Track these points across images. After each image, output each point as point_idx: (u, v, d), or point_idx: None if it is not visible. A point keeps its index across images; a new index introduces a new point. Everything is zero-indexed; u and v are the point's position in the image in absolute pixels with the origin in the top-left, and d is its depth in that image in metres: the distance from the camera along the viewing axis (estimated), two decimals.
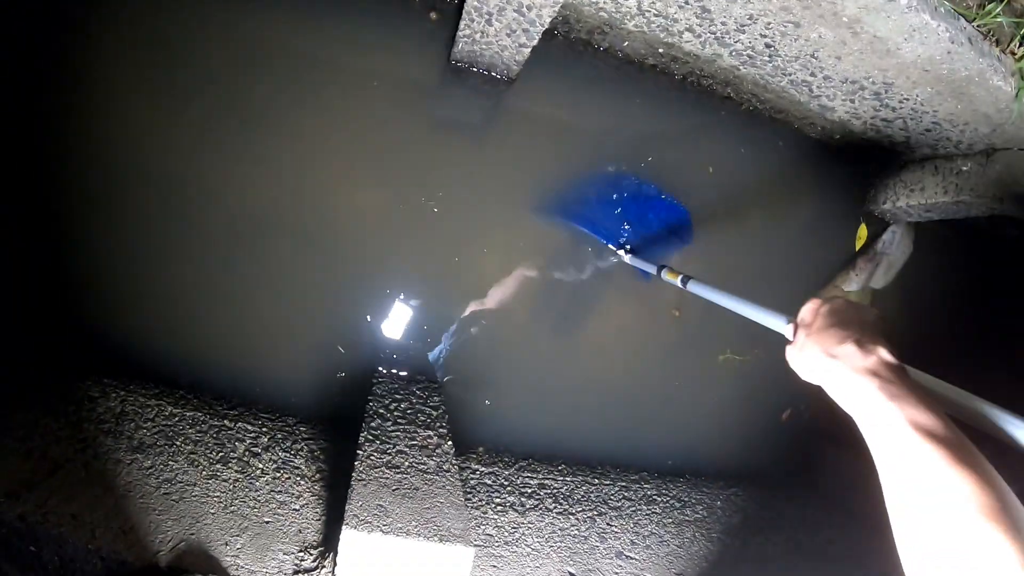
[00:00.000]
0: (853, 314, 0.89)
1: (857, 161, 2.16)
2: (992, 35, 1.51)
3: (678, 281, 1.46)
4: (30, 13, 1.48)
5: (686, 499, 1.84)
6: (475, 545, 1.15)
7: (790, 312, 1.01)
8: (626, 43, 1.79)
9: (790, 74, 1.76)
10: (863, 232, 2.22)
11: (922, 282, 2.30)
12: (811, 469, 1.96)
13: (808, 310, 0.94)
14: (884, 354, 0.81)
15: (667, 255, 1.99)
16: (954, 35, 1.42)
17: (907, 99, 1.73)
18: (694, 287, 1.39)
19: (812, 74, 1.73)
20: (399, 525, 1.15)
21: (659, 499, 1.82)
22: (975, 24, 1.48)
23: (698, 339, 2.04)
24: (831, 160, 2.15)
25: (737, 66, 1.77)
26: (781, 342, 0.93)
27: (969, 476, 0.66)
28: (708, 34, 1.65)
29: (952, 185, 1.96)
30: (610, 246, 1.90)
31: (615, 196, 1.94)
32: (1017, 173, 1.82)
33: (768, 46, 1.64)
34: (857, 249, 2.24)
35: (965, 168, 1.93)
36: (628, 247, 1.89)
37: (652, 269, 1.65)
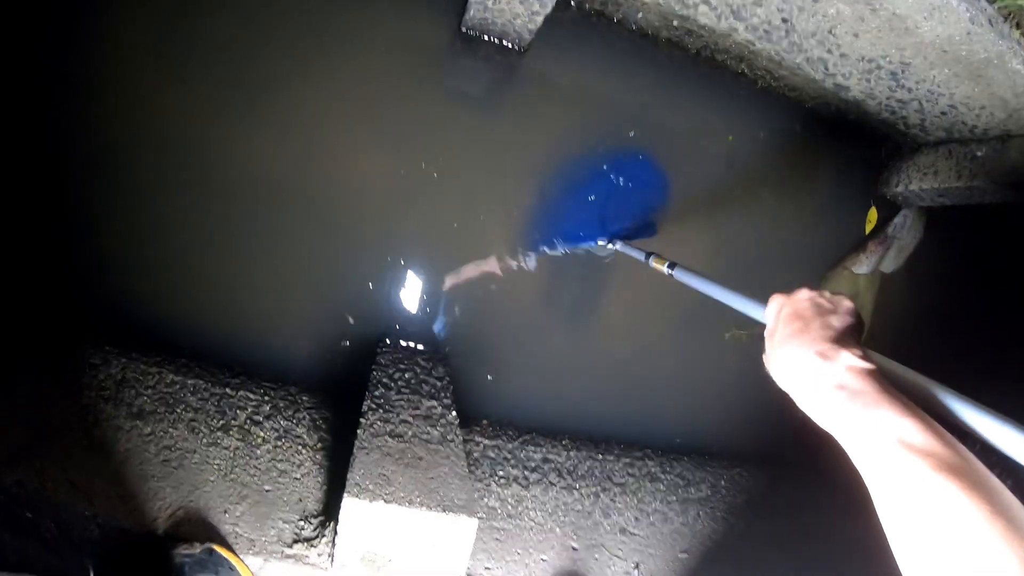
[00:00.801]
0: (815, 315, 0.80)
1: (870, 143, 2.13)
2: (1012, 17, 1.47)
3: (664, 268, 1.43)
4: None
5: (690, 477, 1.83)
6: (478, 517, 1.13)
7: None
8: (640, 15, 1.76)
9: (806, 50, 1.72)
10: (873, 215, 2.20)
11: (931, 267, 2.28)
12: (816, 452, 1.95)
13: (771, 313, 0.86)
14: (850, 359, 0.74)
15: (650, 219, 1.96)
16: (974, 15, 1.39)
17: (923, 80, 1.69)
18: (680, 275, 1.35)
19: (828, 51, 1.69)
20: (402, 494, 1.14)
21: (663, 477, 1.81)
22: (996, 5, 1.44)
23: (704, 315, 2.02)
24: (844, 141, 2.12)
25: (752, 41, 1.73)
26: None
27: (965, 490, 0.59)
28: (724, 6, 1.61)
29: (966, 170, 1.93)
30: (600, 242, 1.86)
31: (593, 183, 1.91)
32: None
33: (785, 20, 1.61)
34: (867, 232, 2.21)
35: (980, 153, 1.90)
36: (617, 235, 1.85)
37: (641, 256, 1.61)
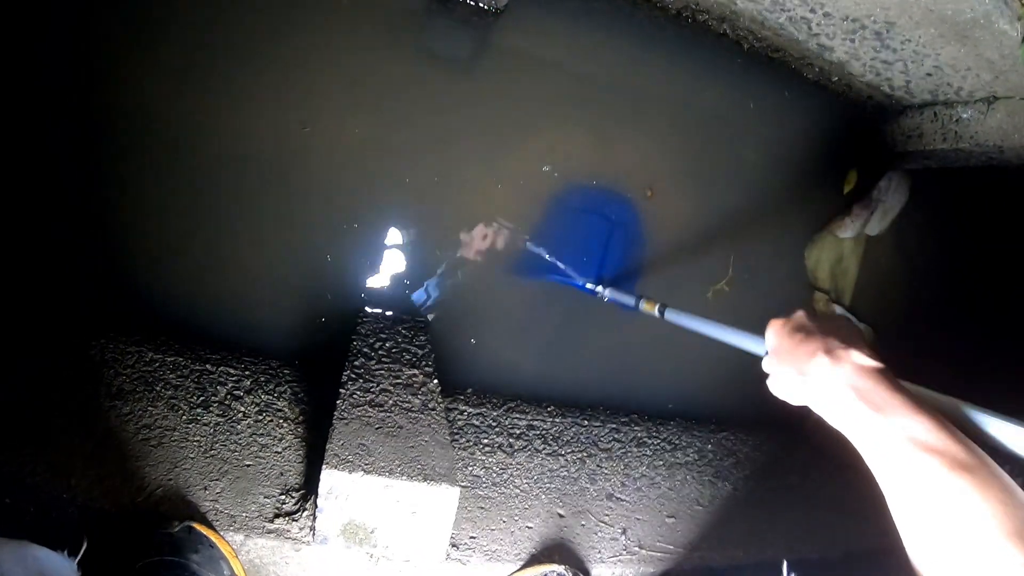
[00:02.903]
0: (817, 324, 0.84)
1: (855, 105, 2.11)
2: None
3: (655, 311, 1.44)
4: None
5: (677, 442, 1.83)
6: (461, 486, 1.12)
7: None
8: None
9: (789, 10, 1.69)
10: (852, 176, 2.19)
11: (917, 230, 2.28)
12: (802, 417, 1.96)
13: (772, 334, 0.89)
14: (858, 358, 0.76)
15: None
16: None
17: (908, 40, 1.67)
18: (671, 316, 1.36)
19: (812, 10, 1.66)
20: (382, 464, 1.12)
21: (650, 441, 1.81)
22: None
23: (687, 275, 2.02)
24: (828, 104, 2.10)
25: (734, 0, 1.70)
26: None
27: (978, 488, 0.59)
28: None
29: (951, 133, 1.91)
30: (588, 286, 1.85)
31: (576, 226, 1.91)
32: (1018, 122, 1.77)
33: None
34: (844, 192, 2.21)
35: (965, 116, 1.88)
36: (604, 282, 1.84)
37: (631, 301, 1.61)
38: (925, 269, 2.33)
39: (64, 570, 0.84)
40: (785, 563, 0.74)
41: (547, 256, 1.87)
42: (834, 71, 1.96)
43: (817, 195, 2.20)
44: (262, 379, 1.55)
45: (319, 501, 1.09)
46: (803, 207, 2.19)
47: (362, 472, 1.09)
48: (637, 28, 1.86)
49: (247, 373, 1.54)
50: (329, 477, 1.07)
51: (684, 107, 1.98)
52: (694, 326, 1.24)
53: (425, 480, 1.11)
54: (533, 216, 1.87)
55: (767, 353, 0.90)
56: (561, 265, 1.88)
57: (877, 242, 2.26)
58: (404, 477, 1.10)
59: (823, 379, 0.77)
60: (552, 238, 1.88)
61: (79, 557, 0.88)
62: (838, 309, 2.15)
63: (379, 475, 1.09)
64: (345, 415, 1.23)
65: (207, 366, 1.52)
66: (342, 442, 1.15)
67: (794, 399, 0.84)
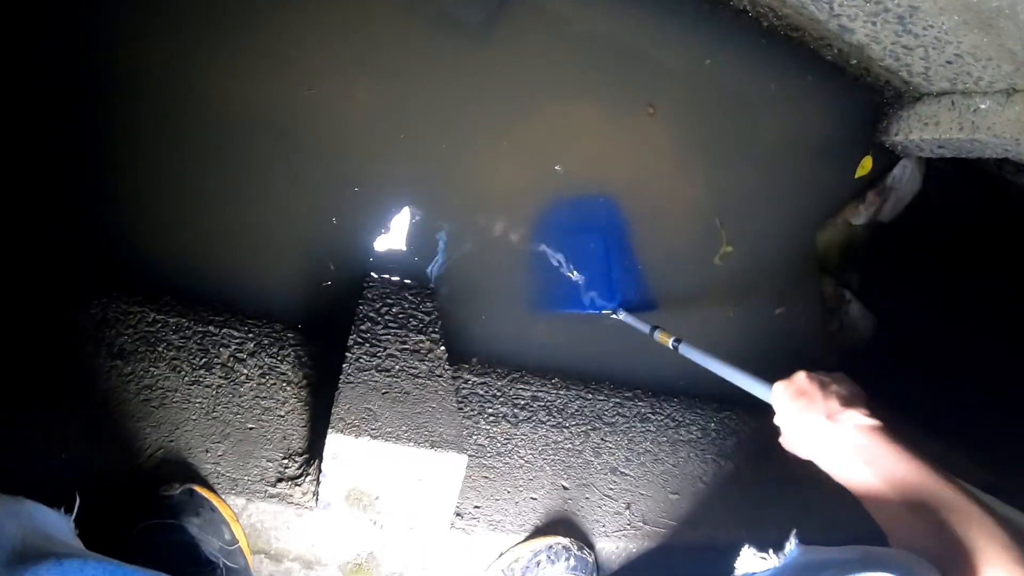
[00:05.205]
0: (817, 387, 0.90)
1: (872, 90, 2.08)
2: None
3: (669, 344, 1.46)
4: None
5: (680, 419, 1.83)
6: (467, 454, 1.11)
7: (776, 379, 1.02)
8: None
9: None
10: (868, 163, 2.17)
11: (928, 217, 2.26)
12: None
13: (777, 399, 0.97)
14: (857, 419, 0.83)
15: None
16: None
17: (931, 26, 1.63)
18: (685, 350, 1.39)
19: None
20: (388, 430, 1.11)
21: (653, 417, 1.80)
22: None
23: (695, 246, 2.03)
24: (845, 86, 2.07)
25: None
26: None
27: (971, 531, 0.65)
28: None
29: (968, 122, 1.89)
30: (605, 311, 1.85)
31: (590, 251, 1.89)
32: None
33: None
34: (856, 177, 2.19)
35: (983, 106, 1.85)
36: (621, 304, 1.84)
37: (646, 328, 1.62)
38: (935, 258, 2.32)
39: (60, 526, 0.82)
40: (794, 531, 0.77)
41: (556, 261, 1.87)
42: (853, 53, 1.93)
43: (828, 178, 2.18)
44: (265, 342, 1.53)
45: (323, 466, 1.08)
46: (814, 189, 2.17)
47: (368, 437, 1.07)
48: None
49: (251, 336, 1.52)
50: (334, 441, 1.06)
51: (699, 83, 1.95)
52: (707, 363, 1.29)
53: (432, 447, 1.10)
54: (541, 200, 1.86)
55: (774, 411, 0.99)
56: (575, 277, 1.87)
57: (889, 228, 2.25)
58: (411, 443, 1.09)
59: (826, 440, 0.85)
60: (560, 246, 1.88)
61: (74, 514, 0.86)
62: (847, 294, 2.15)
63: (385, 440, 1.08)
64: (351, 379, 1.22)
65: (210, 327, 1.50)
66: (348, 406, 1.13)
67: (802, 455, 0.93)
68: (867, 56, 1.92)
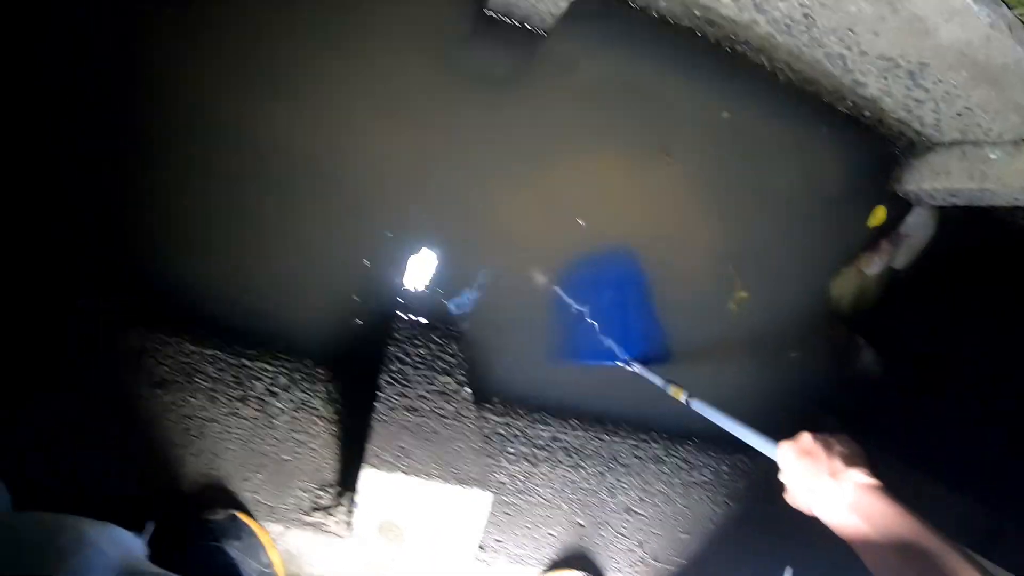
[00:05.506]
0: (821, 447, 0.94)
1: (885, 140, 2.14)
2: None
3: (682, 399, 1.49)
4: None
5: (693, 462, 1.88)
6: (491, 491, 1.17)
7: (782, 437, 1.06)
8: (662, 2, 1.76)
9: (825, 46, 1.73)
10: (881, 212, 2.21)
11: (940, 264, 2.30)
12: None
13: (783, 459, 1.01)
14: (858, 477, 0.87)
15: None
16: (994, 21, 1.39)
17: (941, 81, 1.70)
18: (696, 405, 1.42)
19: (848, 48, 1.70)
20: (419, 467, 1.17)
21: (668, 460, 1.86)
22: (1016, 12, 1.44)
23: (712, 287, 2.07)
24: (859, 136, 2.13)
25: (773, 34, 1.74)
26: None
27: None
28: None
29: (979, 172, 1.93)
30: (620, 363, 1.86)
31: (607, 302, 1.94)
32: None
33: (806, 16, 1.62)
34: (868, 224, 2.23)
35: (993, 156, 1.90)
36: (636, 358, 1.85)
37: (659, 382, 1.64)
38: (948, 305, 2.34)
39: (138, 549, 0.90)
40: (790, 570, 0.84)
41: (576, 310, 1.91)
42: (866, 106, 1.99)
43: (842, 226, 2.22)
44: (297, 377, 1.60)
45: (357, 498, 1.14)
46: (828, 237, 2.21)
47: (400, 473, 1.14)
48: (676, 53, 1.89)
49: (283, 370, 1.60)
50: (368, 475, 1.13)
51: (717, 134, 2.01)
52: (717, 419, 1.32)
53: (460, 484, 1.16)
54: (563, 249, 1.92)
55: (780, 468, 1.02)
56: (593, 326, 1.90)
57: (902, 274, 2.28)
58: (440, 480, 1.16)
59: (828, 497, 0.89)
60: (580, 296, 1.92)
61: (148, 537, 0.94)
62: (860, 340, 2.19)
63: (416, 476, 1.15)
64: (384, 417, 1.28)
65: (244, 360, 1.57)
66: (381, 443, 1.20)
67: (807, 512, 0.96)
68: (880, 108, 1.98)
